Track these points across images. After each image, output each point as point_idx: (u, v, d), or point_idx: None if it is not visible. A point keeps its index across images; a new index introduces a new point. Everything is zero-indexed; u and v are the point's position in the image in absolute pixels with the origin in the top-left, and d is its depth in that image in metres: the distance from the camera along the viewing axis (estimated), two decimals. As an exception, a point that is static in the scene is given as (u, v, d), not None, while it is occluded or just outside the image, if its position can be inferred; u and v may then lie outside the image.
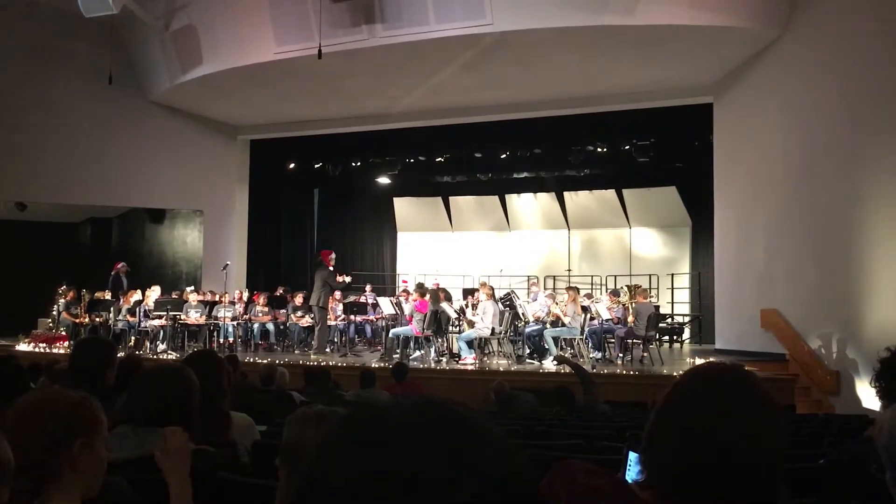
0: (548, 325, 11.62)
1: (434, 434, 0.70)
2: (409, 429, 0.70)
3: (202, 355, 3.72)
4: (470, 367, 10.87)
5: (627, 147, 15.74)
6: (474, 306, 12.11)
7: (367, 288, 15.47)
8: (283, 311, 13.97)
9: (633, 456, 2.76)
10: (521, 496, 0.70)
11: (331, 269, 12.45)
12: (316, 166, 18.26)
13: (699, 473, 1.17)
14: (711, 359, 10.85)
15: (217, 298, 13.76)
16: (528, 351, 11.80)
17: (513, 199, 19.57)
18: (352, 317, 13.79)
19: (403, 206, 20.41)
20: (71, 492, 1.74)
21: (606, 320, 11.68)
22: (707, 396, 1.23)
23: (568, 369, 8.94)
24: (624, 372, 10.39)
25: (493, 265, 18.02)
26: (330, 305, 12.97)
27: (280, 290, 14.98)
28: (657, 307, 13.55)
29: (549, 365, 10.96)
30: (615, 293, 12.59)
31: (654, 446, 1.24)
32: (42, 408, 1.80)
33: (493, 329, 11.47)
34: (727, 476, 1.16)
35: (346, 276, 13.16)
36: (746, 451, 1.17)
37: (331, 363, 10.88)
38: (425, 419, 0.72)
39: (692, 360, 11.74)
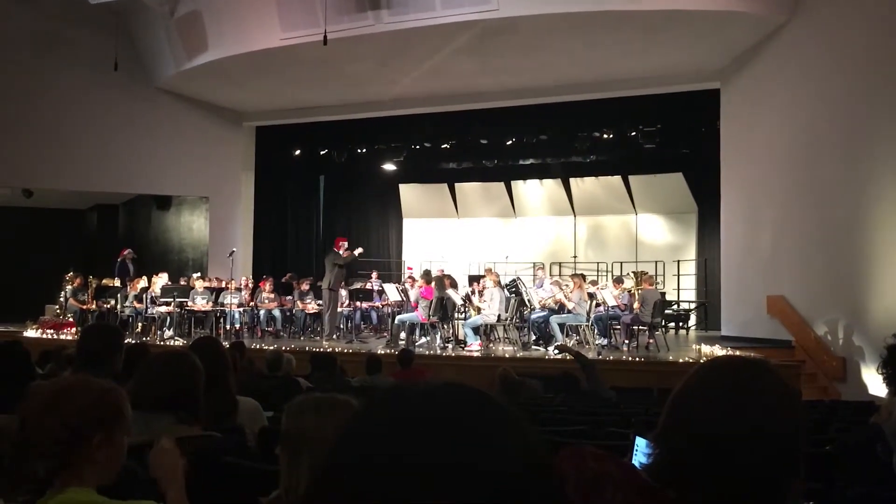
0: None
1: (460, 418, 0.69)
2: (433, 411, 0.69)
3: (205, 342, 3.74)
4: (476, 354, 10.88)
5: (634, 133, 15.70)
6: (480, 293, 12.11)
7: (373, 275, 15.49)
8: (290, 297, 13.99)
9: (640, 441, 2.76)
10: (543, 486, 0.70)
11: (339, 252, 12.48)
12: (321, 153, 18.26)
13: (712, 466, 1.16)
14: (730, 350, 10.84)
15: (223, 285, 13.80)
16: (533, 337, 11.81)
17: (518, 186, 19.54)
18: (358, 303, 13.81)
19: (409, 193, 20.39)
20: (86, 480, 1.75)
21: (612, 307, 11.67)
22: (723, 390, 1.21)
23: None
24: (630, 358, 10.39)
25: (499, 252, 18.02)
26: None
27: (286, 277, 15.00)
28: (663, 294, 13.54)
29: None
30: (620, 280, 12.57)
31: (667, 438, 1.23)
32: (64, 398, 1.79)
33: (499, 316, 11.48)
34: (740, 470, 1.15)
35: (355, 251, 13.08)
36: (761, 445, 1.16)
37: (337, 349, 10.91)
38: (451, 404, 0.71)
39: (698, 347, 11.73)
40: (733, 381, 1.23)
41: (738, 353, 9.91)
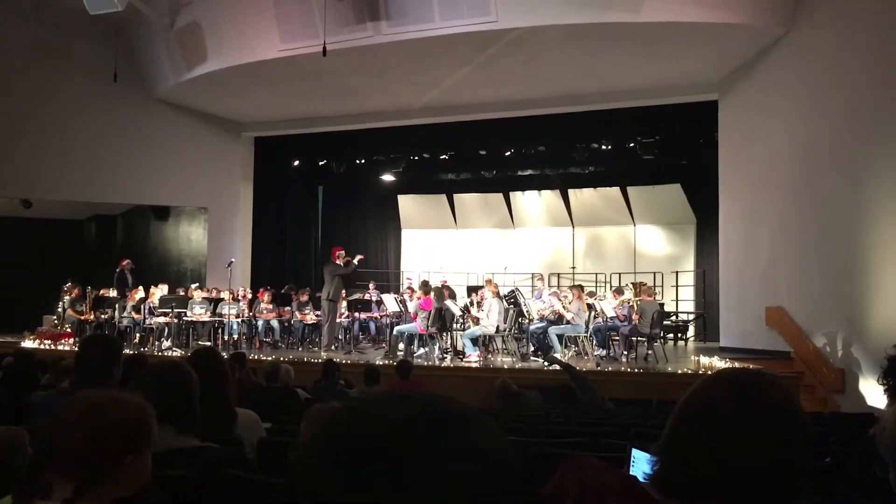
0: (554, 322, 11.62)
1: (425, 427, 0.70)
2: (398, 419, 0.70)
3: (204, 352, 3.74)
4: (474, 365, 10.86)
5: (632, 144, 15.73)
6: (479, 304, 12.11)
7: (371, 285, 15.48)
8: (288, 308, 13.97)
9: (636, 453, 2.76)
10: (513, 488, 0.71)
11: (337, 263, 12.48)
12: (320, 163, 18.29)
13: (716, 478, 1.16)
14: (728, 361, 10.83)
15: (221, 295, 13.78)
16: (532, 348, 11.80)
17: (517, 197, 19.56)
18: (356, 314, 13.79)
19: (408, 204, 20.41)
20: (106, 496, 1.72)
21: (611, 318, 11.67)
22: (729, 402, 1.22)
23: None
24: (628, 370, 10.38)
25: (498, 262, 18.02)
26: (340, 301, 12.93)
27: (285, 288, 14.99)
28: (662, 305, 13.53)
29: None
30: (619, 291, 12.57)
31: (671, 449, 1.23)
32: (95, 415, 1.75)
33: (497, 326, 11.47)
34: (745, 482, 1.16)
35: (355, 259, 13.04)
36: (766, 459, 1.16)
37: (335, 360, 10.88)
38: (417, 412, 0.72)
39: (697, 358, 11.73)
40: (739, 393, 1.23)
41: (737, 364, 9.93)
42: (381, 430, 0.69)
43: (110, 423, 1.76)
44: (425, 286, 12.13)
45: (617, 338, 11.68)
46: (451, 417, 0.72)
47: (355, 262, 12.78)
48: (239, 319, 13.22)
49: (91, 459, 1.70)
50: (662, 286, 16.65)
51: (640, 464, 2.73)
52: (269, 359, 10.60)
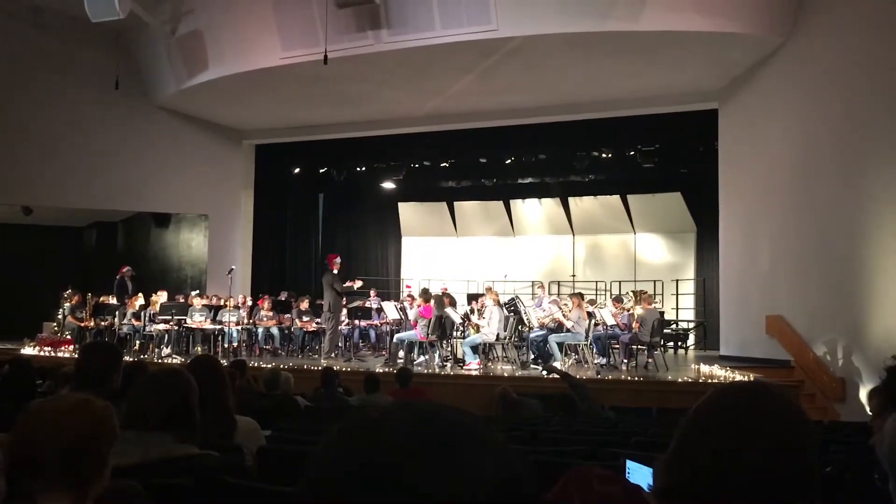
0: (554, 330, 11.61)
1: (430, 439, 0.70)
2: (403, 432, 0.70)
3: (203, 360, 3.73)
4: (474, 373, 10.84)
5: (632, 153, 15.75)
6: (480, 311, 12.10)
7: (372, 293, 15.46)
8: (288, 315, 13.95)
9: (632, 465, 2.76)
10: (518, 496, 0.71)
11: (334, 272, 12.44)
12: (321, 171, 18.34)
13: (728, 487, 1.16)
14: (728, 370, 10.81)
15: (222, 303, 13.76)
16: (532, 356, 11.78)
17: (517, 205, 19.58)
18: (356, 321, 13.78)
19: (408, 211, 20.43)
20: (79, 499, 1.72)
21: (611, 326, 11.66)
22: (737, 414, 1.22)
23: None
24: (629, 378, 10.36)
25: (498, 270, 18.02)
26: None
27: (285, 295, 14.97)
28: (662, 313, 13.52)
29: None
30: (619, 300, 12.57)
31: (681, 461, 1.23)
32: (63, 418, 1.75)
33: (497, 334, 11.46)
34: (756, 490, 1.16)
35: (356, 281, 13.04)
36: (777, 467, 1.16)
37: (335, 367, 10.86)
38: (422, 424, 0.72)
39: (697, 367, 11.71)
40: (749, 402, 1.24)
41: (737, 373, 9.93)
42: (389, 441, 0.69)
43: (92, 423, 1.77)
44: (425, 294, 12.12)
45: (617, 346, 11.66)
46: (458, 428, 0.72)
47: (355, 287, 12.73)
48: (239, 327, 13.20)
49: (83, 462, 1.70)
50: (662, 294, 16.65)
51: (637, 475, 2.72)
52: (269, 366, 10.56)
